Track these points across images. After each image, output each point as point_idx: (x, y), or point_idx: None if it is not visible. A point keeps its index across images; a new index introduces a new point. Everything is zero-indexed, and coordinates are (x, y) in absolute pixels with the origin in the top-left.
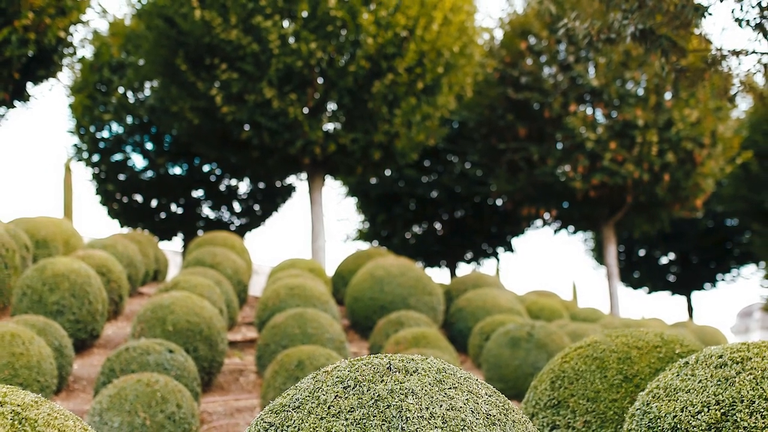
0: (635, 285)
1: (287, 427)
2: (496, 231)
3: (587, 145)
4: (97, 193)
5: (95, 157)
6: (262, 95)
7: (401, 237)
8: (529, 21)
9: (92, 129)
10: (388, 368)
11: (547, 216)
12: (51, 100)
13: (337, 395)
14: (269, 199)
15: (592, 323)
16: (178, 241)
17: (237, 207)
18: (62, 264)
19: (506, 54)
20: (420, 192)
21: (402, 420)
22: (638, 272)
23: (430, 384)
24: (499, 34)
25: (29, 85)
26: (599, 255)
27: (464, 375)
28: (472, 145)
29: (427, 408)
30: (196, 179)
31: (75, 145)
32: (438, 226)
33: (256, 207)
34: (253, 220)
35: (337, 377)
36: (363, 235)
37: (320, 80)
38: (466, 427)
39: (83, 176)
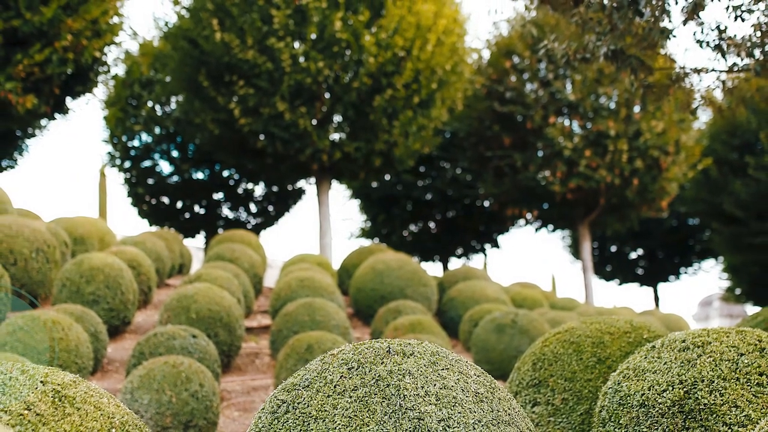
0: (608, 277)
1: (298, 403)
2: (484, 229)
3: (565, 153)
4: (128, 196)
5: (127, 164)
6: (276, 108)
7: (399, 235)
8: (513, 42)
9: (124, 138)
10: (387, 352)
11: (529, 216)
12: (87, 112)
13: (342, 375)
14: (282, 201)
15: (569, 311)
16: (200, 239)
17: (253, 208)
18: (97, 259)
19: (493, 72)
20: (416, 194)
21: (400, 397)
22: (610, 266)
23: (425, 365)
24: (486, 54)
25: (68, 100)
26: (575, 251)
27: (455, 357)
28: (462, 152)
29: (423, 387)
30: (217, 183)
31: (109, 153)
32: (432, 225)
33: (270, 208)
34: (267, 219)
35: (342, 359)
36: (365, 233)
37: (327, 95)
38: (457, 404)
39: (116, 180)
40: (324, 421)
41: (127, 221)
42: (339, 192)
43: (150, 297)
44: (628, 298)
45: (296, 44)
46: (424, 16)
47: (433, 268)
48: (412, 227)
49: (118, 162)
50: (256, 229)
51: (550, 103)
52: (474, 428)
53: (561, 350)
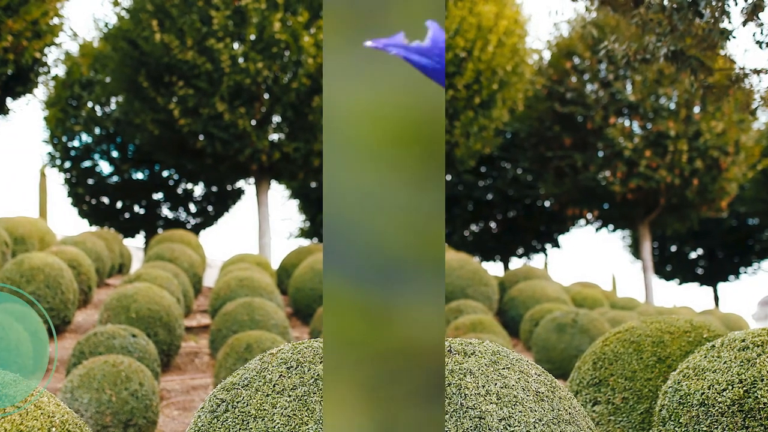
0: (668, 277)
1: (237, 402)
2: (545, 229)
3: (625, 153)
4: (68, 196)
5: (67, 164)
6: (215, 109)
7: (460, 234)
8: (574, 43)
9: (64, 139)
10: (448, 351)
11: (589, 216)
12: (28, 113)
13: (281, 375)
14: (221, 201)
15: (629, 311)
16: (140, 239)
17: (192, 208)
18: (38, 258)
19: (553, 72)
20: (477, 195)
21: (461, 396)
22: (670, 266)
23: (485, 365)
24: (547, 55)
25: (8, 100)
26: (636, 250)
27: (516, 357)
28: (523, 153)
29: (483, 386)
30: (157, 183)
31: (49, 153)
32: (493, 225)
33: (210, 208)
34: (206, 219)
35: (281, 359)
36: (304, 233)
37: (266, 96)
38: (518, 403)
39: (56, 181)
40: (263, 420)
41: (67, 221)
42: (278, 192)
43: (90, 296)
44: (687, 297)
45: (236, 45)
46: (485, 17)
47: (494, 268)
48: (473, 227)
49: (58, 162)
50: (196, 229)
51: (611, 104)
52: (535, 427)
53: (621, 349)
